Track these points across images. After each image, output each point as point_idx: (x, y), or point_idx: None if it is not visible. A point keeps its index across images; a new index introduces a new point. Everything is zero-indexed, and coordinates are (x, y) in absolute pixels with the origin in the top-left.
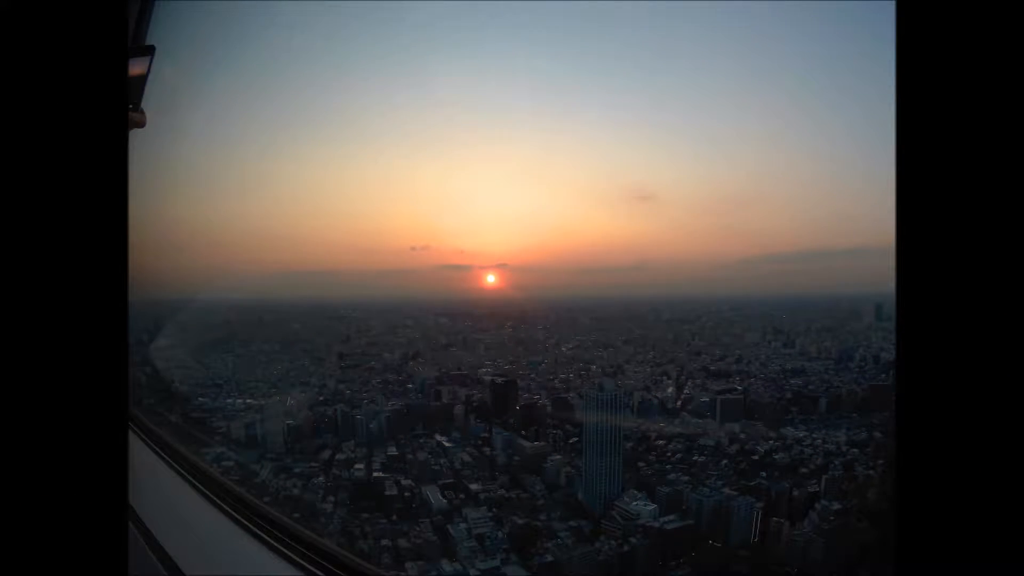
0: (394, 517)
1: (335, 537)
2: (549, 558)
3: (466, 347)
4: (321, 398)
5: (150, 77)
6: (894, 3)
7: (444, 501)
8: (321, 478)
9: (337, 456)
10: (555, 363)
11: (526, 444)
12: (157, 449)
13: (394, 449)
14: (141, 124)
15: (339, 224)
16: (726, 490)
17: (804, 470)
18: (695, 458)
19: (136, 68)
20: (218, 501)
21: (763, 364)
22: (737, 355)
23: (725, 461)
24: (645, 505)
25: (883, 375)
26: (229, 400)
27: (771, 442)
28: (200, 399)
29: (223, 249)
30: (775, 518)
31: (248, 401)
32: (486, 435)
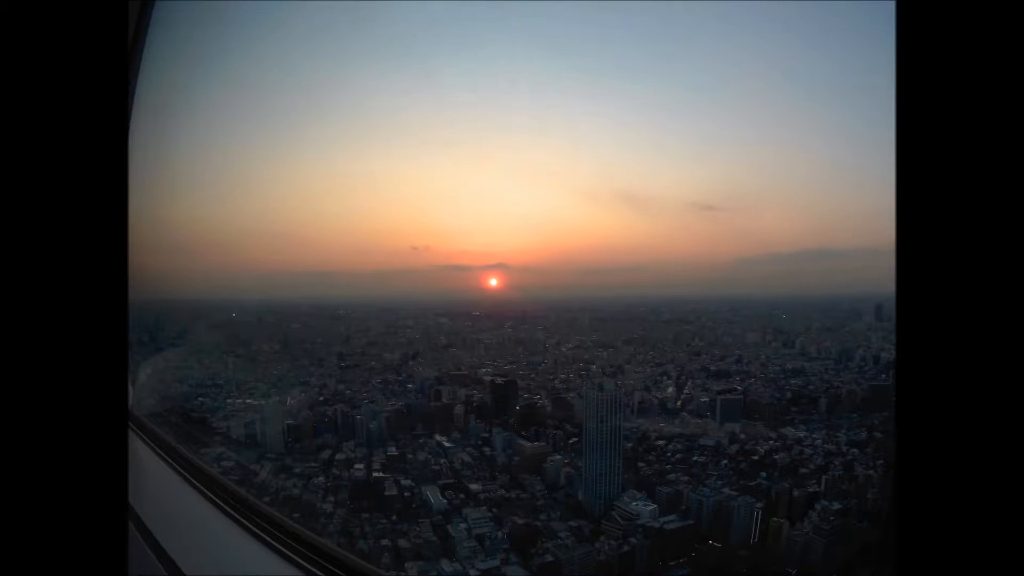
0: (394, 517)
1: (335, 537)
2: (549, 558)
3: (466, 347)
4: (321, 398)
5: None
6: (894, 3)
7: (444, 501)
8: (321, 478)
9: (337, 456)
10: (555, 363)
11: (526, 444)
12: (157, 449)
13: (394, 449)
14: None
15: (339, 224)
16: (726, 490)
17: (804, 470)
18: (695, 458)
19: None
20: (218, 501)
21: (763, 364)
22: (737, 355)
23: (725, 461)
24: (645, 505)
25: (883, 375)
26: (229, 400)
27: (771, 442)
28: (200, 399)
29: (223, 249)
30: (775, 518)
31: (248, 401)
32: (486, 435)
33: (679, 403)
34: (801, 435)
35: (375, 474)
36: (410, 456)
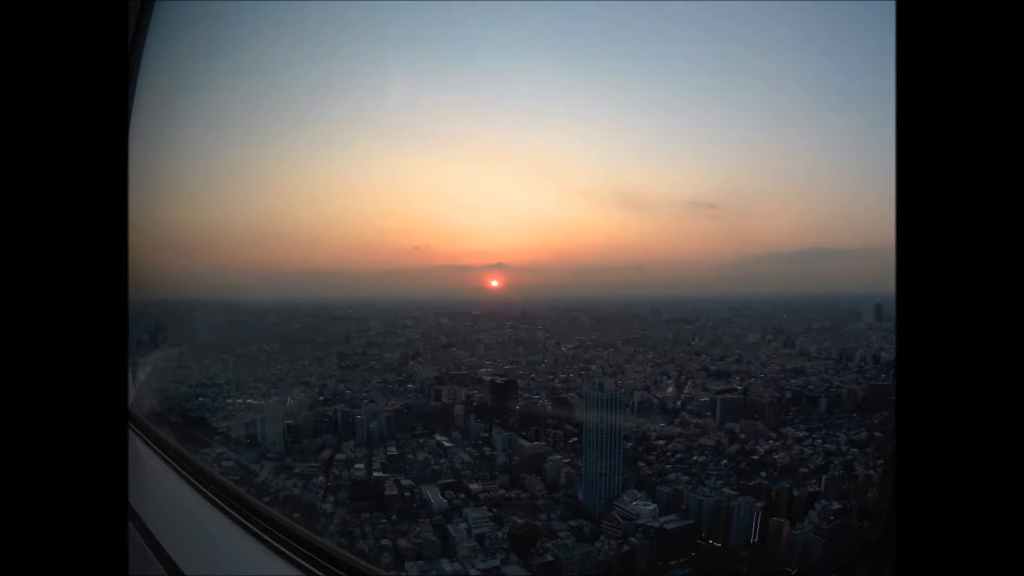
0: (394, 517)
1: (335, 537)
2: (549, 558)
3: (466, 347)
4: (321, 398)
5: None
6: (894, 3)
7: (444, 501)
8: (321, 478)
9: (337, 456)
10: (555, 363)
11: (526, 444)
12: (157, 449)
13: (394, 449)
14: None
15: (339, 224)
16: (726, 490)
17: (804, 470)
18: (695, 458)
19: None
20: (218, 501)
21: (763, 364)
22: (737, 355)
23: (725, 461)
24: (645, 505)
25: (883, 375)
26: (229, 400)
27: (771, 442)
28: (200, 399)
29: (223, 249)
30: (775, 518)
31: (248, 401)
32: (486, 435)
33: (679, 403)
34: (801, 435)
35: (375, 474)
36: (410, 456)
